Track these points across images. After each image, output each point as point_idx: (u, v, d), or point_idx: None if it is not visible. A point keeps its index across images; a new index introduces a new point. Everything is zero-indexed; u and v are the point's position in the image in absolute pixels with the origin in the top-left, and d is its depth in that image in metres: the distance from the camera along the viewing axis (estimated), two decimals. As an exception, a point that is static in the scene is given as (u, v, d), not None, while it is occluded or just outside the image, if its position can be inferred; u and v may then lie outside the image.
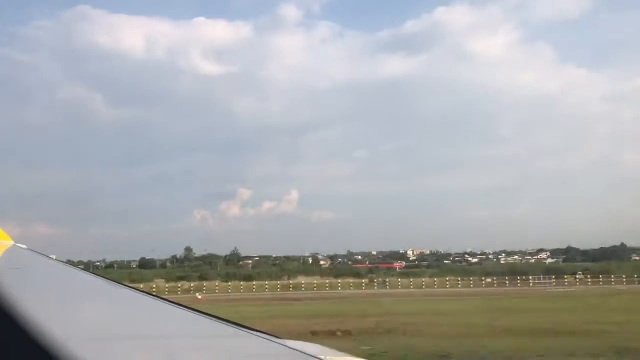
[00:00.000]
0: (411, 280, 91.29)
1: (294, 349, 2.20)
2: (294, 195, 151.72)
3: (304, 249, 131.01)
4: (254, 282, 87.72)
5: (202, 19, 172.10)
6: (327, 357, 2.31)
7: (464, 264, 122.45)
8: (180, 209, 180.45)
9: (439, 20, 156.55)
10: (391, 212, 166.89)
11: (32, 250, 7.00)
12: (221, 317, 2.58)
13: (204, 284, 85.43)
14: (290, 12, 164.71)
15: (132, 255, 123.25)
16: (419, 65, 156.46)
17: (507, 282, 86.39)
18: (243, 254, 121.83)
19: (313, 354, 2.19)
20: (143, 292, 3.56)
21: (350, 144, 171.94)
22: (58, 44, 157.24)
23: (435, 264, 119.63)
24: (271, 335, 2.40)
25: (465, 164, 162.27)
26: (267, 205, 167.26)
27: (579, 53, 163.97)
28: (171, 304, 3.06)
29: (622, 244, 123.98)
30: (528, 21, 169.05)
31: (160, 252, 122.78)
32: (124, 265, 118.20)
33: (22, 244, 7.34)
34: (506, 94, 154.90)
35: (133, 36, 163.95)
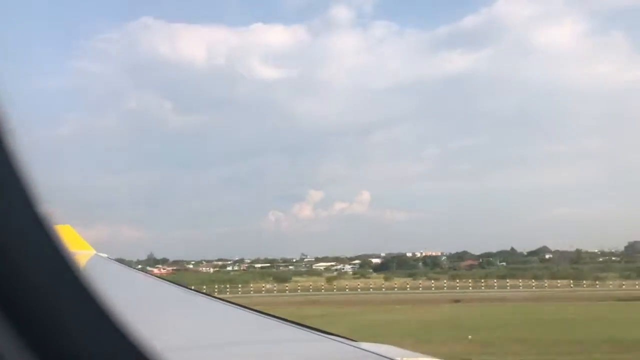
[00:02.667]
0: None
1: (369, 351, 2.20)
2: (365, 195, 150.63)
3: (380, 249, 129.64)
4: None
5: (259, 25, 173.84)
6: (404, 359, 2.30)
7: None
8: (253, 211, 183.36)
9: (500, 13, 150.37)
10: (462, 210, 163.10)
11: (112, 259, 7.33)
12: (297, 321, 2.61)
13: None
14: (342, 13, 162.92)
15: (210, 256, 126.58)
16: (483, 60, 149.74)
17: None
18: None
19: (388, 355, 2.18)
20: (219, 299, 3.64)
21: (419, 142, 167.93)
22: (126, 54, 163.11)
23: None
24: (345, 337, 2.41)
25: (539, 160, 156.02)
26: (339, 206, 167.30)
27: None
28: (247, 309, 3.12)
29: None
30: (597, 9, 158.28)
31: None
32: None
33: (105, 250, 7.72)
34: (579, 87, 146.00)
35: (194, 44, 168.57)
